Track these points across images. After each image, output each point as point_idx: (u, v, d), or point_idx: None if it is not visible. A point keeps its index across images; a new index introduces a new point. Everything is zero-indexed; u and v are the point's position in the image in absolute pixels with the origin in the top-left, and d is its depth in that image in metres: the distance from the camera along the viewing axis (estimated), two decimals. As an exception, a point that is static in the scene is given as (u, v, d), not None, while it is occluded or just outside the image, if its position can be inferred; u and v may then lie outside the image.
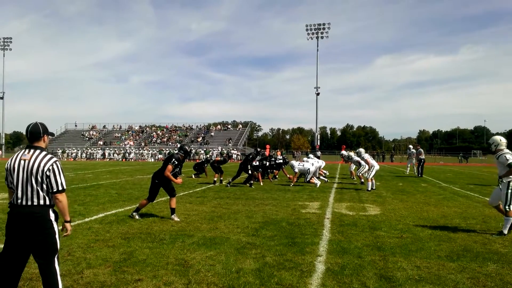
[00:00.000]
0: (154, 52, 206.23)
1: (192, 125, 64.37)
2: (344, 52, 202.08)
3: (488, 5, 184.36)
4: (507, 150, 6.51)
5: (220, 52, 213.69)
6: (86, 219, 7.47)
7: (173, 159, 7.67)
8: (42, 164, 3.15)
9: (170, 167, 7.58)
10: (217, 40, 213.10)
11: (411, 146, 24.75)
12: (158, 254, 5.13)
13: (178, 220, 7.42)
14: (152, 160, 49.29)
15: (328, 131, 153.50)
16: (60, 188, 3.20)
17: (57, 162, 3.23)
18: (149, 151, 52.55)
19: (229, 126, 68.97)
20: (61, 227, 3.34)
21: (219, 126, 67.05)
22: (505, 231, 6.33)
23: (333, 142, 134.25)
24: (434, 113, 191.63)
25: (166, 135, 61.21)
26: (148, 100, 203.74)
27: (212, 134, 60.69)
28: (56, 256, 3.22)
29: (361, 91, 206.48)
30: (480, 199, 11.25)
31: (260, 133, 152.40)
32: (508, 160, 6.25)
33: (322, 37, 52.73)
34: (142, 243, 5.70)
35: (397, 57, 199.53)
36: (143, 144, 57.46)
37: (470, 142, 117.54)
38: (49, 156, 3.22)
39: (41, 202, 3.16)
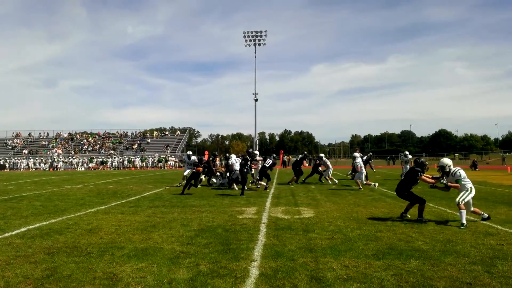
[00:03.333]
0: (87, 56, 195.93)
1: (127, 132, 62.22)
2: (282, 59, 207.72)
3: (413, 18, 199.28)
4: None
5: (158, 57, 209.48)
6: (6, 234, 6.89)
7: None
8: None
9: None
10: (155, 45, 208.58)
11: (407, 152, 22.69)
12: (85, 268, 4.84)
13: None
14: (83, 169, 46.76)
15: (267, 137, 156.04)
16: None
17: None
18: (79, 159, 49.84)
19: (167, 133, 67.45)
20: None
21: (156, 133, 65.36)
22: None
23: (272, 147, 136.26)
24: (365, 119, 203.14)
25: (98, 142, 58.49)
26: (79, 106, 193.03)
27: (149, 141, 59.04)
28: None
29: (299, 97, 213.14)
30: (405, 199, 11.98)
31: (199, 139, 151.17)
32: None
33: (259, 44, 53.90)
34: (68, 257, 5.35)
35: (331, 65, 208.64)
36: (72, 152, 54.41)
37: (397, 145, 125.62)
38: None
39: None
